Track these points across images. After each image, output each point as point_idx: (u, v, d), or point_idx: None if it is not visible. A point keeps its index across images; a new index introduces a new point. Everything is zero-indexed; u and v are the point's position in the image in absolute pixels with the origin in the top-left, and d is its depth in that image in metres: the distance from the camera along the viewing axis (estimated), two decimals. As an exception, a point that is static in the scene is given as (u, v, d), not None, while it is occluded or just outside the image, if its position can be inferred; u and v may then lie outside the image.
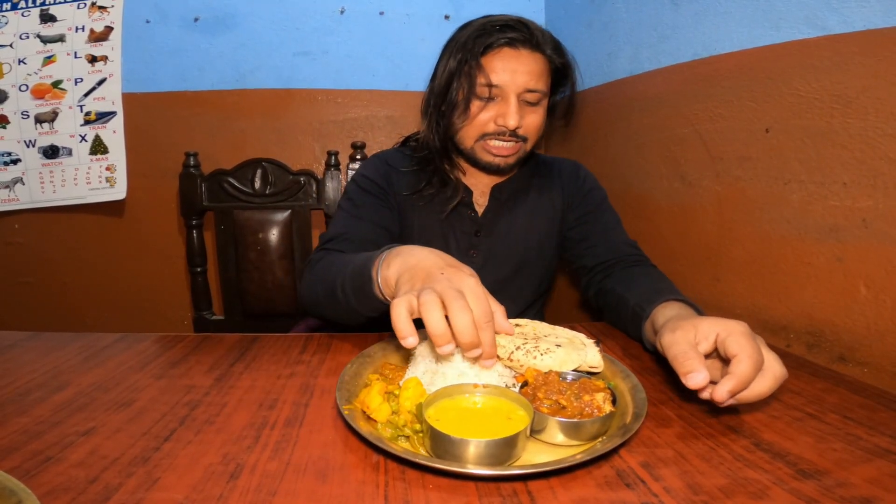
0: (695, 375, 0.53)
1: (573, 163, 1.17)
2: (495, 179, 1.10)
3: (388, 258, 0.69)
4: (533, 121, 0.99)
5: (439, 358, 0.64)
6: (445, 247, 1.06)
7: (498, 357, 0.64)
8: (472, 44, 0.96)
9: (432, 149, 1.05)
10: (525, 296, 1.12)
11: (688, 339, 0.58)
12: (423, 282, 0.60)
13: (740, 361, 0.53)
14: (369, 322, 0.80)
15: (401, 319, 0.55)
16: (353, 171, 1.48)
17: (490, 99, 0.97)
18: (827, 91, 0.79)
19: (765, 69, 0.89)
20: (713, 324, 0.59)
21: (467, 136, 1.01)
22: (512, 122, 0.95)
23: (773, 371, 0.54)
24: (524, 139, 1.00)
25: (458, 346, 0.56)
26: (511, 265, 1.10)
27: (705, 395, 0.55)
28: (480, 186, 1.09)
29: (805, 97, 0.83)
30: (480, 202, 1.09)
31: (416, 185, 1.06)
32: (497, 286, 1.07)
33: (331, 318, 0.88)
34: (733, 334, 0.56)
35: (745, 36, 0.93)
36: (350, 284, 0.76)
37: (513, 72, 0.94)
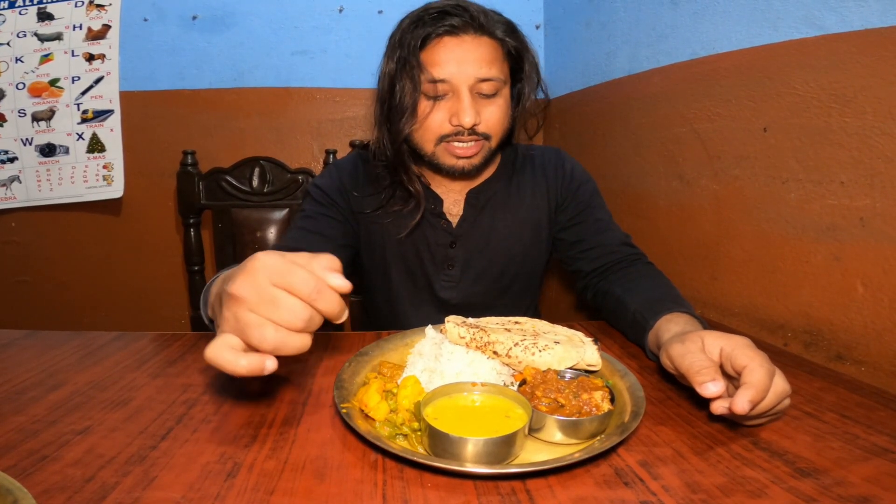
0: (711, 385, 0.52)
1: (556, 152, 1.08)
2: (469, 184, 1.01)
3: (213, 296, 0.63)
4: (493, 114, 0.89)
5: (438, 356, 0.64)
6: (419, 261, 1.02)
7: (496, 354, 0.64)
8: (409, 38, 0.86)
9: (388, 159, 0.96)
10: (511, 309, 0.99)
11: (699, 348, 0.58)
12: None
13: (753, 371, 0.52)
14: (369, 320, 0.76)
15: (228, 362, 0.47)
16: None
17: (439, 97, 0.87)
18: (825, 90, 0.79)
19: (763, 68, 0.89)
20: (718, 338, 0.58)
21: (425, 140, 0.91)
22: (467, 120, 0.85)
23: (774, 387, 0.52)
24: (486, 136, 0.90)
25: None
26: (493, 277, 1.03)
27: (720, 408, 0.52)
28: (453, 194, 1.01)
29: (803, 96, 0.83)
30: (454, 211, 1.01)
31: (375, 198, 0.99)
32: (479, 300, 1.03)
33: None
34: (739, 347, 0.55)
35: (743, 35, 0.93)
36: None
37: (459, 62, 0.84)
